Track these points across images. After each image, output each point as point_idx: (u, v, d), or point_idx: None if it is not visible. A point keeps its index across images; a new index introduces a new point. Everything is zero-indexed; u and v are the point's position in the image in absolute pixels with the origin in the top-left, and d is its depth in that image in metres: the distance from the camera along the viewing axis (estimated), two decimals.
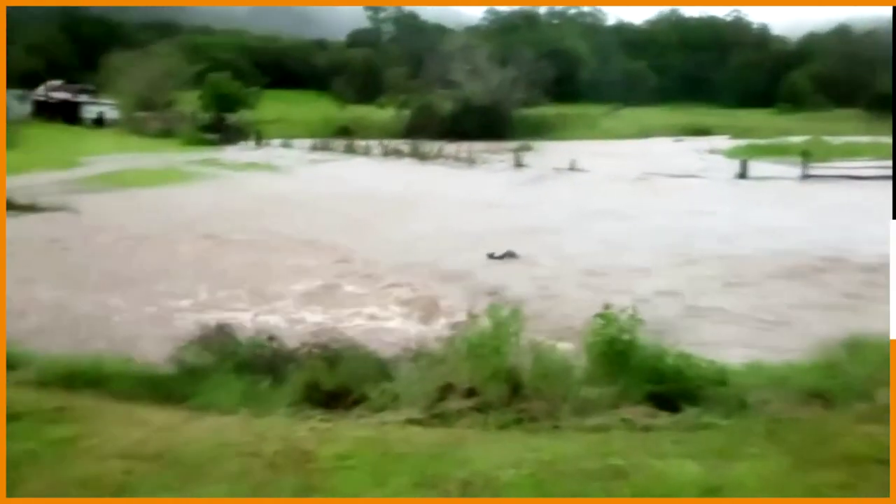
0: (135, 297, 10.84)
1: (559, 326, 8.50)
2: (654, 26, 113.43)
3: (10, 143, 47.37)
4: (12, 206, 19.61)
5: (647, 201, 22.60)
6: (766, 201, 22.44)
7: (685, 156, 41.84)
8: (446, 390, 4.76)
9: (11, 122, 55.09)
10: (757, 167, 29.96)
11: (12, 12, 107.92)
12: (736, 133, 59.89)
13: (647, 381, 4.93)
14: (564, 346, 6.01)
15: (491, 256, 13.66)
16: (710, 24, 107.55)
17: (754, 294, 10.94)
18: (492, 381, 4.77)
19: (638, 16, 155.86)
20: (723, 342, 7.93)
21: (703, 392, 4.94)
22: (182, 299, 10.76)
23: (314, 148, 50.51)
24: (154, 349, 6.72)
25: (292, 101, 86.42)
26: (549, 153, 41.82)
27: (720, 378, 5.14)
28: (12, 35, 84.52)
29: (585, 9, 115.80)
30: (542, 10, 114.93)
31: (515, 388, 4.77)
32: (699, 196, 24.13)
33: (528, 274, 12.38)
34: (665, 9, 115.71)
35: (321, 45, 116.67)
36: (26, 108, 66.49)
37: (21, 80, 70.05)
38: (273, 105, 78.07)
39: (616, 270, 12.64)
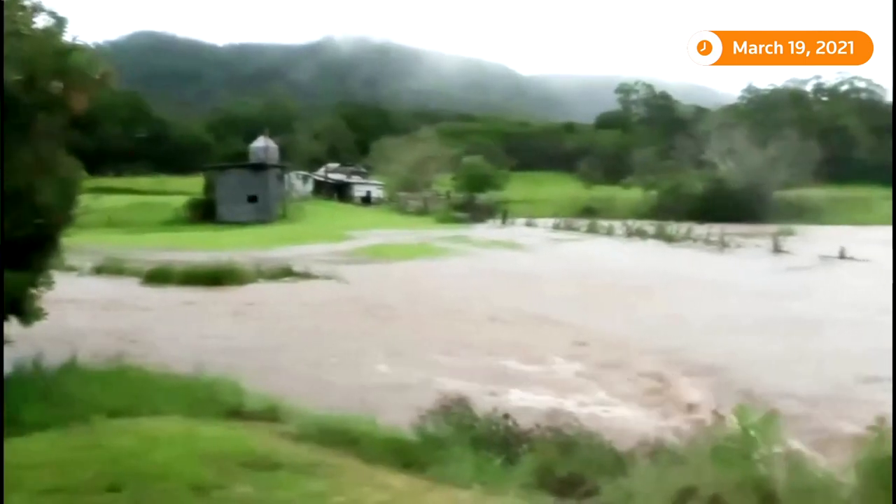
0: (390, 361, 11.62)
1: (821, 437, 7.57)
2: None
3: (293, 217, 54.28)
4: (291, 273, 22.34)
5: None
6: None
7: None
8: (687, 494, 4.43)
9: (295, 199, 63.22)
10: None
11: (299, 104, 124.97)
12: None
13: None
14: (824, 461, 5.33)
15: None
16: None
17: None
18: (739, 491, 4.36)
19: None
20: None
21: None
22: (421, 368, 11.31)
23: (557, 227, 51.21)
24: (396, 416, 7.10)
25: (539, 182, 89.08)
26: (814, 239, 38.26)
27: None
28: (299, 125, 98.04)
29: (860, 84, 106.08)
30: (809, 86, 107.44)
31: (766, 501, 4.31)
32: None
33: (786, 370, 11.22)
34: None
35: (570, 127, 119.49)
36: (308, 188, 75.69)
37: (305, 163, 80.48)
38: (520, 185, 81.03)
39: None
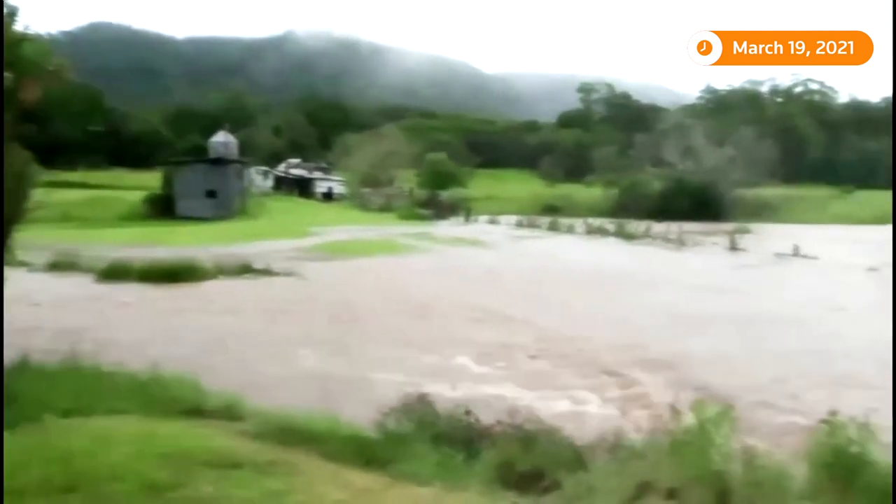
0: (340, 360, 11.57)
1: (774, 433, 7.75)
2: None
3: (254, 213, 53.66)
4: (251, 270, 22.09)
5: (886, 297, 20.19)
6: None
7: None
8: (644, 488, 4.49)
9: (256, 195, 62.51)
10: None
11: (260, 99, 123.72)
12: None
13: (878, 503, 4.31)
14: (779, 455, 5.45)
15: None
16: None
17: None
18: (696, 484, 4.44)
19: (874, 93, 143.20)
20: None
21: None
22: (383, 365, 11.28)
23: (519, 224, 51.52)
24: (356, 413, 7.07)
25: (502, 180, 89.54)
26: (769, 237, 39.14)
27: None
28: (259, 120, 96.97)
29: (813, 86, 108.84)
30: (765, 87, 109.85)
31: (723, 494, 4.39)
32: None
33: (738, 370, 11.46)
34: None
35: (533, 126, 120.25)
36: (269, 183, 74.88)
37: (266, 158, 79.62)
38: (483, 183, 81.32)
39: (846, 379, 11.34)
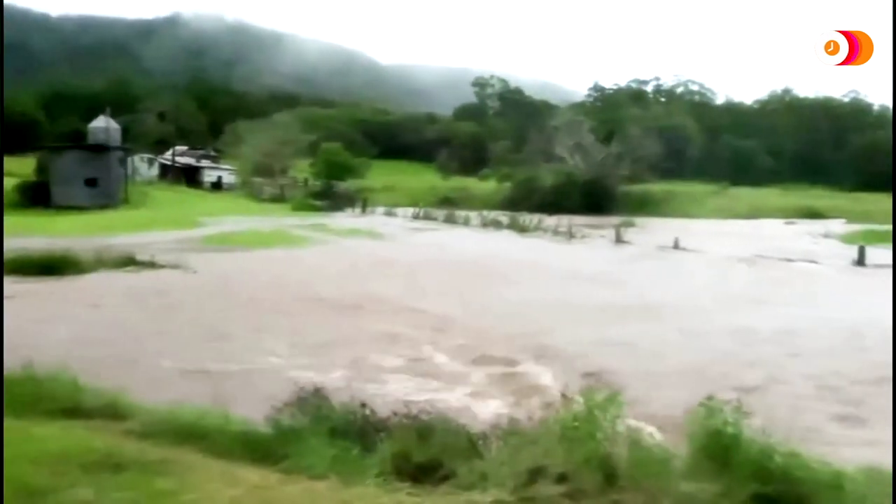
0: (230, 354, 11.25)
1: (658, 415, 8.16)
2: (766, 106, 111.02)
3: (137, 203, 51.21)
4: (134, 262, 21.07)
5: (759, 288, 21.66)
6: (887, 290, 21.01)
7: (798, 239, 40.04)
8: (537, 473, 4.62)
9: (139, 184, 59.69)
10: (875, 254, 28.25)
11: (146, 83, 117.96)
12: (852, 217, 57.03)
13: (753, 480, 4.62)
14: (661, 437, 5.75)
15: None
16: (826, 105, 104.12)
17: None
18: (585, 468, 4.60)
19: (748, 95, 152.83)
20: None
21: (814, 498, 4.58)
22: (276, 359, 11.07)
23: (416, 216, 51.74)
24: (248, 408, 6.90)
25: (399, 171, 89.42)
26: (652, 230, 41.06)
27: (835, 483, 4.76)
28: (145, 104, 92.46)
29: (693, 87, 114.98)
30: (649, 87, 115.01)
31: (610, 476, 4.58)
32: (813, 284, 22.90)
33: (629, 358, 11.97)
34: (777, 88, 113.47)
35: (430, 118, 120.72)
36: (154, 171, 71.67)
37: (151, 145, 76.02)
38: (380, 174, 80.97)
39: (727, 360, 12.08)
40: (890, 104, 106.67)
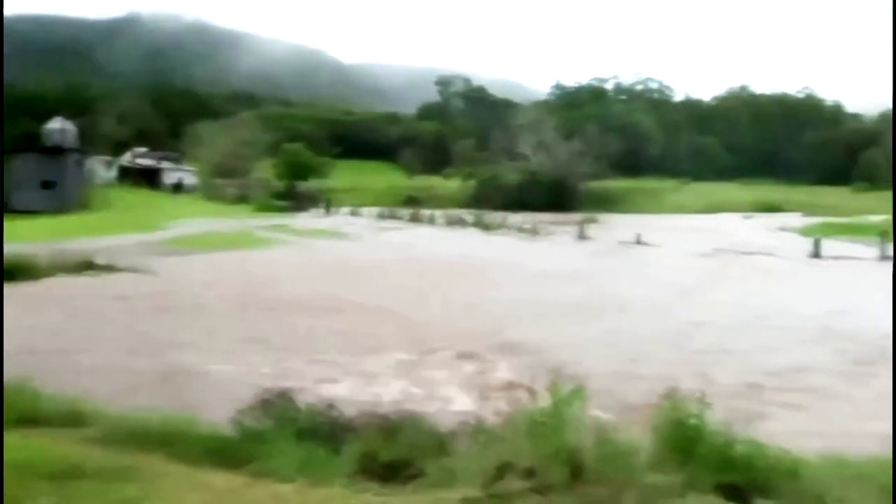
0: (195, 358, 11.09)
1: (624, 408, 8.27)
2: (723, 102, 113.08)
3: (96, 206, 50.19)
4: (92, 266, 20.62)
5: (717, 280, 22.07)
6: (842, 282, 21.60)
7: (755, 232, 40.93)
8: (504, 469, 4.65)
9: (98, 186, 58.50)
10: (831, 246, 28.99)
11: (105, 83, 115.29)
12: (808, 211, 58.51)
13: (716, 469, 4.72)
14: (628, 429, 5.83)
15: None
16: (782, 101, 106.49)
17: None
18: (552, 462, 4.65)
19: (706, 92, 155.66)
20: None
21: (775, 485, 4.69)
22: (239, 362, 10.94)
23: (381, 216, 51.66)
24: (212, 412, 6.81)
25: (362, 171, 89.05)
26: (614, 226, 41.59)
27: (794, 470, 4.88)
28: (104, 105, 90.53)
29: (653, 84, 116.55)
30: (610, 85, 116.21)
31: (577, 470, 4.64)
32: (770, 275, 23.42)
33: (595, 353, 12.10)
34: (735, 85, 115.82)
35: (393, 118, 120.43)
36: (113, 174, 70.31)
37: (110, 148, 74.46)
38: (344, 174, 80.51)
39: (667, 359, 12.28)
40: (842, 100, 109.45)
